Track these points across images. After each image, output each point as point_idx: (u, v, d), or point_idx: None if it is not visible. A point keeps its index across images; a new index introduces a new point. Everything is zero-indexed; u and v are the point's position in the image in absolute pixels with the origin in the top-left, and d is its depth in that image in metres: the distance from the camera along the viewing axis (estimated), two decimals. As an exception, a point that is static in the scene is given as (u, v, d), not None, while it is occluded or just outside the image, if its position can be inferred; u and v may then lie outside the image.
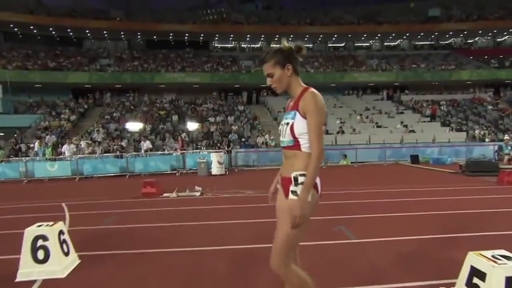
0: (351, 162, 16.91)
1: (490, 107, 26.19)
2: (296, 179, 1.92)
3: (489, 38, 35.60)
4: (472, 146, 17.44)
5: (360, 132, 20.95)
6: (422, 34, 35.05)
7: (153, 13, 34.52)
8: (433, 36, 35.64)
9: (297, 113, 1.95)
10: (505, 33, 34.68)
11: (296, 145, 1.98)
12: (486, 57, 32.29)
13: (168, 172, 15.17)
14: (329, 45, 36.74)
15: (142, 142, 16.72)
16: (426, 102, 27.17)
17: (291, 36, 32.33)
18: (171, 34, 33.01)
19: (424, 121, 23.57)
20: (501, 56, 31.99)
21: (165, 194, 8.73)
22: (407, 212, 6.04)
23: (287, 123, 2.00)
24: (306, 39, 34.01)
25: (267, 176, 14.48)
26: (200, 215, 6.35)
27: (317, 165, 1.91)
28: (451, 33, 34.59)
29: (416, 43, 36.94)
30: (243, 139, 19.95)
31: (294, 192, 1.92)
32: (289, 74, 2.00)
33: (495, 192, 7.90)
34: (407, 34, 35.31)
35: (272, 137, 19.24)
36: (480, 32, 34.32)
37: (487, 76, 29.71)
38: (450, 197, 7.40)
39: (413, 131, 21.02)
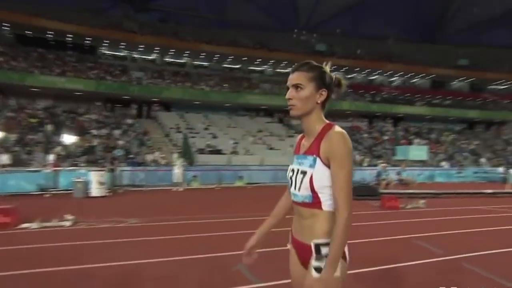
0: (247, 183, 16.65)
1: (365, 135, 29.31)
2: (318, 249, 1.49)
3: (364, 75, 40.38)
4: (354, 170, 18.87)
5: (254, 153, 21.04)
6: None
7: (32, 4, 29.92)
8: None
9: (318, 160, 1.47)
10: (375, 73, 39.78)
11: (315, 202, 1.50)
12: (362, 91, 36.38)
13: (35, 193, 12.62)
14: (224, 65, 37.00)
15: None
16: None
17: (187, 52, 31.51)
18: (50, 32, 29.03)
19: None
20: (373, 92, 36.44)
21: (23, 225, 6.87)
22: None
23: (303, 172, 1.50)
24: (202, 56, 33.68)
25: (155, 198, 13.01)
26: (65, 255, 4.96)
27: (346, 231, 1.43)
28: (334, 67, 38.03)
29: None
30: (130, 156, 18.10)
31: (317, 269, 1.45)
32: (319, 101, 1.55)
33: (379, 218, 8.20)
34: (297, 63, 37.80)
35: (163, 155, 17.88)
36: (357, 69, 38.68)
37: (363, 108, 33.36)
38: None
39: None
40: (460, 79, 37.13)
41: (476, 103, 34.89)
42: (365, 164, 21.69)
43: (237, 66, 37.65)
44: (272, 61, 37.09)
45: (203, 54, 33.88)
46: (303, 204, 1.53)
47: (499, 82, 37.06)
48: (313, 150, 1.50)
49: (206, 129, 25.43)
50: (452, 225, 7.47)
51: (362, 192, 12.31)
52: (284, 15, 38.93)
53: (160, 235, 6.21)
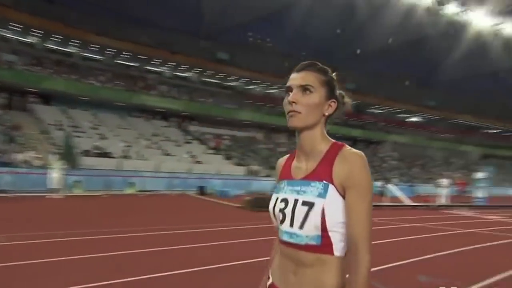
0: (138, 191, 15.32)
1: (262, 145, 30.18)
2: None
3: (263, 87, 41.87)
4: (251, 180, 19.09)
5: (148, 158, 19.69)
6: (211, 72, 37.77)
7: None
8: (220, 76, 38.99)
9: (331, 187, 1.13)
10: (274, 86, 41.65)
11: (325, 244, 1.14)
12: (261, 103, 37.58)
13: None
14: (119, 61, 34.39)
15: None
16: (210, 135, 28.77)
17: (76, 41, 28.33)
18: None
19: (209, 153, 24.63)
20: (271, 105, 37.97)
21: None
22: (175, 269, 4.60)
23: (308, 204, 1.13)
24: (93, 48, 30.71)
25: (25, 207, 11.04)
26: None
27: (368, 282, 1.07)
28: (236, 77, 38.78)
29: (206, 79, 39.48)
30: (-7, 154, 15.13)
31: None
32: (326, 113, 1.22)
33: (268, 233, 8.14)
34: (199, 69, 37.30)
35: (38, 155, 15.39)
36: (257, 81, 39.94)
37: (260, 119, 34.42)
38: (236, 240, 6.86)
39: (200, 161, 21.43)
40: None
41: (359, 123, 39.09)
42: (263, 174, 22.18)
43: (134, 64, 35.40)
44: (173, 63, 35.90)
45: (95, 46, 30.92)
46: (307, 248, 1.15)
47: (377, 106, 42.28)
48: (322, 175, 1.16)
49: (93, 128, 22.98)
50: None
51: (260, 204, 12.31)
52: (190, 19, 38.18)
53: (27, 258, 4.96)
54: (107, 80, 28.60)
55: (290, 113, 1.17)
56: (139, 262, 4.98)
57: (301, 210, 1.13)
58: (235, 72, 37.63)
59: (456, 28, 41.55)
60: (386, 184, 19.09)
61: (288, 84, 1.21)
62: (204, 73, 38.07)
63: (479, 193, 17.60)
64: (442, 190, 17.02)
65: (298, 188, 1.18)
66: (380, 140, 38.02)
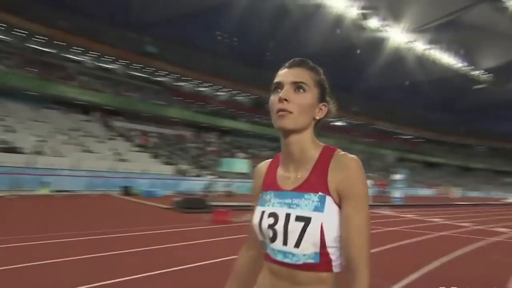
0: (54, 191, 13.81)
1: (191, 144, 29.44)
2: None
3: (193, 85, 41.00)
4: (180, 180, 18.40)
5: (65, 155, 17.93)
6: (138, 65, 35.93)
7: None
8: (148, 70, 37.27)
9: (328, 199, 1.03)
10: (205, 84, 41.02)
11: (324, 262, 1.04)
12: (190, 100, 36.74)
13: None
14: (30, 45, 30.98)
15: None
16: (136, 132, 27.28)
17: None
18: None
19: (135, 151, 23.30)
20: (201, 103, 37.30)
21: None
22: (97, 280, 4.05)
23: (303, 219, 1.02)
24: None
25: None
26: None
27: None
28: (165, 72, 37.37)
29: (132, 72, 37.45)
30: None
31: None
32: (318, 117, 1.12)
33: (214, 234, 7.86)
34: (125, 61, 35.23)
35: None
36: (187, 78, 38.94)
37: (190, 117, 33.60)
38: (166, 244, 6.44)
39: (124, 159, 20.13)
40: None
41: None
42: (192, 174, 21.56)
43: (49, 50, 32.21)
44: (96, 53, 33.43)
45: (1, 24, 27.50)
46: (304, 267, 1.04)
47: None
48: (316, 185, 1.05)
49: (-2, 120, 20.33)
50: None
51: (190, 205, 11.88)
52: (117, 9, 35.96)
53: None
54: (16, 65, 25.56)
55: (280, 112, 1.04)
56: (47, 275, 4.31)
57: (295, 227, 1.02)
58: (164, 67, 36.32)
59: (377, 42, 44.99)
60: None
61: (278, 80, 1.08)
62: (131, 66, 36.09)
63: (397, 193, 19.08)
64: (366, 190, 18.06)
65: (289, 201, 1.06)
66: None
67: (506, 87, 59.07)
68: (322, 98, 1.11)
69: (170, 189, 16.82)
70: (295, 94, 1.05)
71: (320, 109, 1.11)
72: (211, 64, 38.15)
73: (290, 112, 1.03)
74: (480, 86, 61.04)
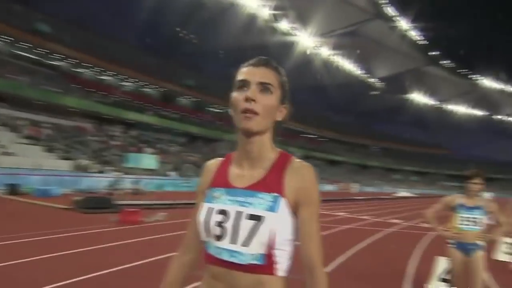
0: None
1: (92, 137, 27.18)
2: None
3: (94, 72, 37.91)
4: (80, 177, 16.83)
5: None
6: (28, 44, 31.89)
7: None
8: (40, 52, 33.32)
9: (283, 201, 1.06)
10: (107, 73, 38.22)
11: (269, 264, 1.06)
12: (91, 89, 33.87)
13: None
14: None
15: None
16: (25, 121, 24.21)
17: None
18: None
19: (23, 143, 20.65)
20: (104, 93, 34.67)
21: None
22: None
23: (255, 217, 1.04)
24: None
25: None
26: None
27: None
28: (61, 56, 33.77)
29: (19, 52, 33.08)
30: None
31: None
32: (278, 118, 1.14)
33: (123, 236, 7.31)
34: (9, 38, 30.93)
35: None
36: (88, 64, 35.83)
37: (90, 107, 30.91)
38: (66, 251, 5.68)
39: (10, 153, 17.70)
40: (186, 96, 41.47)
41: (198, 121, 39.75)
42: (94, 170, 19.89)
43: None
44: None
45: None
46: (248, 268, 1.04)
47: (215, 106, 43.98)
48: (271, 186, 1.07)
49: None
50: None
51: (93, 204, 10.93)
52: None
53: None
54: None
55: (248, 114, 1.04)
56: None
57: (246, 225, 1.03)
58: (60, 50, 32.85)
59: (286, 44, 47.16)
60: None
61: (243, 78, 1.08)
62: (17, 45, 31.85)
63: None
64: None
65: (241, 198, 1.06)
66: (218, 138, 39.63)
67: (395, 95, 66.93)
68: (283, 100, 1.13)
69: (68, 187, 15.27)
70: (261, 95, 1.06)
71: (281, 111, 1.12)
72: (116, 52, 35.71)
73: (256, 114, 1.04)
74: (375, 93, 68.34)
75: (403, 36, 55.93)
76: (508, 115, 76.54)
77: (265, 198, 1.04)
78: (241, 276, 1.04)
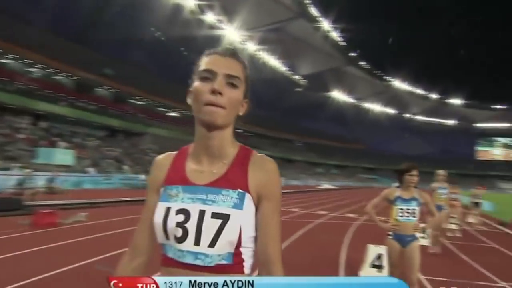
0: None
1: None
2: None
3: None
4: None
5: None
6: None
7: None
8: None
9: (248, 197, 1.02)
10: (9, 57, 34.24)
11: (236, 264, 1.01)
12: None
13: None
14: None
15: None
16: None
17: None
18: None
19: None
20: (5, 79, 31.06)
21: None
22: None
23: (221, 216, 0.98)
24: None
25: None
26: None
27: None
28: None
29: None
30: None
31: None
32: (241, 113, 1.10)
33: (37, 241, 6.57)
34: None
35: None
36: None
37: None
38: None
39: None
40: (105, 87, 38.98)
41: (118, 113, 37.60)
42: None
43: None
44: None
45: None
46: (216, 269, 0.98)
47: (138, 97, 42.11)
48: (235, 182, 1.03)
49: None
50: (126, 237, 7.11)
51: (-2, 207, 9.73)
52: None
53: None
54: None
55: (213, 107, 0.99)
56: None
57: (211, 224, 0.97)
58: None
59: (213, 37, 46.81)
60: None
61: (210, 67, 1.02)
62: None
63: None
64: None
65: (203, 196, 1.00)
66: (140, 132, 38.00)
67: (318, 93, 70.42)
68: (246, 94, 1.09)
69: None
70: (228, 88, 1.02)
71: (243, 105, 1.09)
72: (20, 33, 32.19)
73: (222, 107, 1.00)
74: (299, 89, 71.23)
75: (325, 36, 58.97)
76: (415, 114, 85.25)
77: (230, 195, 1.00)
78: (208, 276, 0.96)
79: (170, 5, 41.29)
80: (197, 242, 0.97)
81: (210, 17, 46.21)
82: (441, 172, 7.07)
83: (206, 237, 0.97)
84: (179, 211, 0.99)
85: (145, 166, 30.04)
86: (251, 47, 55.12)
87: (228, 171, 1.04)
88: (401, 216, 3.45)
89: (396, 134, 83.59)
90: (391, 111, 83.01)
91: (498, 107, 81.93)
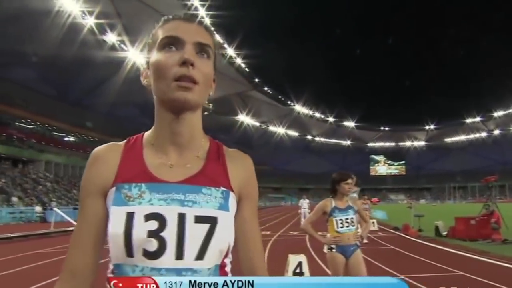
0: None
1: None
2: None
3: None
4: None
5: None
6: None
7: None
8: None
9: (231, 195, 0.83)
10: None
11: (222, 275, 0.82)
12: None
13: None
14: None
15: None
16: None
17: None
18: None
19: None
20: None
21: None
22: None
23: (206, 219, 0.77)
24: None
25: None
26: None
27: None
28: None
29: None
30: None
31: None
32: (211, 93, 0.88)
33: None
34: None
35: None
36: None
37: None
38: None
39: None
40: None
41: (1, 138, 33.50)
42: None
43: None
44: None
45: None
46: None
47: (26, 120, 38.17)
48: (216, 179, 0.83)
49: None
50: (27, 277, 6.44)
51: None
52: None
53: None
54: None
55: (184, 82, 0.78)
56: None
57: (196, 230, 0.76)
58: None
59: (115, 57, 44.94)
60: (49, 208, 17.31)
61: (175, 34, 0.81)
62: None
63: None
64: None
65: (179, 196, 0.78)
66: (31, 159, 34.32)
67: (225, 116, 72.01)
68: (214, 70, 0.88)
69: None
70: (199, 59, 0.81)
71: (214, 82, 0.89)
72: None
73: (195, 83, 0.79)
74: (206, 113, 71.57)
75: (231, 62, 60.87)
76: (314, 136, 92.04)
77: (213, 194, 0.81)
78: None
79: (67, 22, 38.69)
80: (179, 255, 0.75)
81: (111, 37, 44.39)
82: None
83: (192, 248, 0.76)
84: (148, 217, 0.76)
85: (39, 197, 27.12)
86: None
87: (205, 165, 0.85)
88: (342, 227, 3.37)
89: (298, 154, 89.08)
90: (294, 133, 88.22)
91: (384, 128, 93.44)
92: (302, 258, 5.29)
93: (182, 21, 0.83)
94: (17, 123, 37.99)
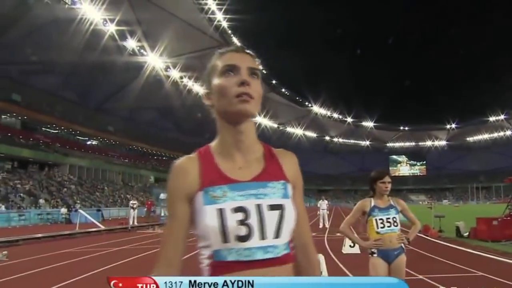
0: None
1: None
2: None
3: None
4: None
5: None
6: None
7: None
8: None
9: (289, 185, 1.06)
10: None
11: (291, 252, 1.03)
12: None
13: None
14: None
15: None
16: None
17: None
18: None
19: None
20: None
21: None
22: None
23: (278, 207, 1.00)
24: None
25: None
26: None
27: None
28: None
29: None
30: None
31: None
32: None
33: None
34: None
35: None
36: None
37: None
38: None
39: None
40: (12, 114, 35.73)
41: (29, 143, 34.58)
42: None
43: None
44: None
45: None
46: (282, 260, 0.99)
47: (51, 125, 39.25)
48: (276, 174, 1.05)
49: None
50: (54, 275, 6.69)
51: None
52: None
53: None
54: None
55: (244, 96, 0.99)
56: None
57: (271, 216, 0.98)
58: None
59: (134, 62, 45.80)
60: (73, 210, 17.90)
61: (232, 62, 1.03)
62: None
63: (164, 212, 20.00)
64: (133, 211, 17.98)
65: (253, 191, 0.99)
66: (56, 162, 35.32)
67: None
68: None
69: None
70: (251, 80, 1.02)
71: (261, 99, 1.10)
72: None
73: (252, 98, 1.00)
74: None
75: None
76: (332, 137, 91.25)
77: (277, 187, 1.02)
78: (277, 270, 0.97)
79: (89, 29, 39.66)
80: (262, 236, 0.96)
81: (131, 43, 45.22)
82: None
83: (270, 230, 0.97)
84: (235, 210, 0.96)
85: (64, 199, 27.88)
86: (174, 74, 54.92)
87: (266, 165, 1.05)
88: (382, 227, 3.12)
89: (317, 155, 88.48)
90: (312, 134, 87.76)
91: (403, 128, 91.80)
92: (321, 258, 5.35)
93: (235, 52, 1.06)
94: (43, 128, 39.14)
